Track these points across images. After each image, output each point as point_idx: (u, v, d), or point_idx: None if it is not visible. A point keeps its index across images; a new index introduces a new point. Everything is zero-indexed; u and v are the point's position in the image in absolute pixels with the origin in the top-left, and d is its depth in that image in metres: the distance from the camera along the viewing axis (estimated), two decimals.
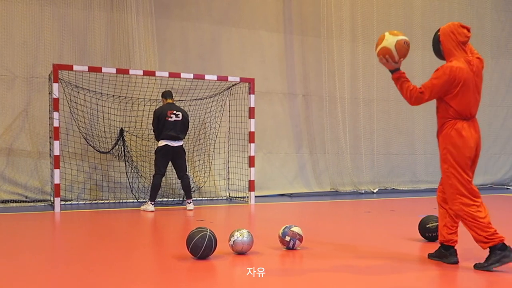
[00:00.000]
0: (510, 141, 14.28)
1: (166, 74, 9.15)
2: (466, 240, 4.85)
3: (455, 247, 4.60)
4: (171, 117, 8.32)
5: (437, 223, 5.39)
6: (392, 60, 4.40)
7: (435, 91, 4.37)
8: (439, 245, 4.68)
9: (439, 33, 4.52)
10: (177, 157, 8.44)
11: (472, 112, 4.43)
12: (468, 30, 4.51)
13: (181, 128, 8.41)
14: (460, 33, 4.45)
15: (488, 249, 4.29)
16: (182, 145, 8.50)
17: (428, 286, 4.05)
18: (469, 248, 4.99)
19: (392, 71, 4.48)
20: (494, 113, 13.96)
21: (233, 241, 4.86)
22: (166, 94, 8.66)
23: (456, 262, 4.54)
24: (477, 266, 4.34)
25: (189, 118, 8.71)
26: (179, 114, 8.39)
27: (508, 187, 13.75)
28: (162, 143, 8.35)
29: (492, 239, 4.22)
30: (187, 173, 8.60)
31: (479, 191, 4.43)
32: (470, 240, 4.49)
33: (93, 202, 9.48)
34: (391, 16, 12.63)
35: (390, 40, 4.39)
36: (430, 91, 4.37)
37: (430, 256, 4.77)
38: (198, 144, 10.41)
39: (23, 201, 9.11)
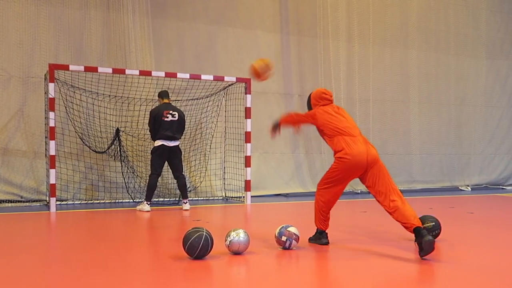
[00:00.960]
0: (505, 141, 14.34)
1: (162, 74, 9.15)
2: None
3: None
4: (168, 117, 8.32)
5: (433, 223, 5.46)
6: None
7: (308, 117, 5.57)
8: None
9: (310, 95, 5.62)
10: (173, 157, 8.44)
11: (348, 131, 5.24)
12: (330, 95, 5.55)
13: (177, 128, 8.42)
14: (322, 97, 5.49)
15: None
16: (178, 145, 8.51)
17: (425, 285, 4.07)
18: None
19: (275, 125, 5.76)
20: (489, 114, 14.02)
21: (230, 241, 4.87)
22: (163, 94, 8.66)
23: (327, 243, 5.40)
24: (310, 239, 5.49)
25: (185, 118, 8.71)
26: (175, 114, 8.39)
27: (503, 187, 13.80)
28: (158, 143, 8.35)
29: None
30: (183, 173, 8.60)
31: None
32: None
33: (89, 202, 9.47)
34: (387, 16, 12.66)
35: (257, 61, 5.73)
36: (305, 116, 5.58)
37: (310, 240, 5.56)
38: (194, 144, 10.41)
39: (19, 201, 9.09)
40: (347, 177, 5.25)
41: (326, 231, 5.48)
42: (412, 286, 4.02)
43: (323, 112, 5.37)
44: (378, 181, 5.05)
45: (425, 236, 4.57)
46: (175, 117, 8.37)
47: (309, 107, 5.64)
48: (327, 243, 5.39)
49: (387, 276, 4.23)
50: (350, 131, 5.21)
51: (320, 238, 5.45)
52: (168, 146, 8.34)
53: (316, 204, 5.46)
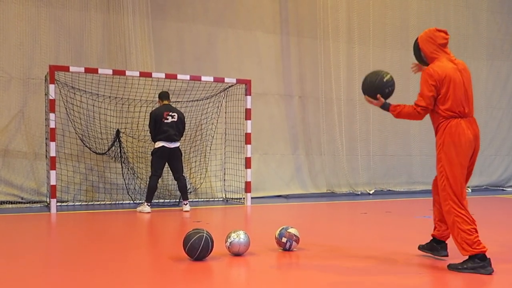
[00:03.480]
0: (505, 142, 14.33)
1: (162, 75, 9.15)
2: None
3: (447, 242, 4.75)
4: (167, 119, 8.33)
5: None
6: (374, 98, 4.62)
7: (428, 96, 4.42)
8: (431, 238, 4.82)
9: (417, 41, 4.63)
10: (173, 158, 8.45)
11: (465, 109, 4.45)
12: (445, 33, 4.59)
13: (177, 129, 8.43)
14: (437, 36, 4.53)
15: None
16: (178, 146, 8.51)
17: (424, 287, 4.07)
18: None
19: (383, 108, 4.65)
20: (489, 115, 14.00)
21: (230, 243, 4.87)
22: (163, 96, 8.67)
23: (446, 256, 4.71)
24: (451, 267, 4.38)
25: (185, 119, 8.71)
26: (175, 116, 8.40)
27: (504, 189, 13.79)
28: (158, 144, 8.36)
29: (474, 248, 4.23)
30: (183, 174, 8.60)
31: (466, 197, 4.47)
32: None
33: (89, 203, 9.46)
34: (387, 17, 12.67)
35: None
36: (423, 98, 4.45)
37: (421, 248, 4.90)
38: (195, 146, 10.41)
39: (19, 202, 9.09)
40: None
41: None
42: (410, 286, 4.02)
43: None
44: None
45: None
46: (174, 118, 8.38)
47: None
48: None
49: (388, 278, 4.23)
50: None
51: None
52: (169, 148, 8.34)
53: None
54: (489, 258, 4.28)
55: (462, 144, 4.36)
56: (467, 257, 4.31)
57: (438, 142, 4.46)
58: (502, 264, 4.61)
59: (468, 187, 13.41)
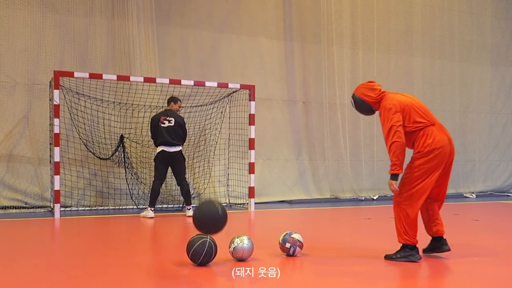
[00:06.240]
0: (510, 148, 14.28)
1: (166, 80, 9.18)
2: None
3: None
4: (164, 123, 8.40)
5: None
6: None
7: (396, 117, 4.78)
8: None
9: (356, 95, 5.09)
10: (175, 163, 8.46)
11: (432, 119, 4.92)
12: (374, 82, 5.12)
13: (175, 134, 8.43)
14: (373, 85, 5.07)
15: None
16: (179, 150, 8.49)
17: None
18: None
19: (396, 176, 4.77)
20: (494, 120, 13.97)
21: (233, 248, 4.86)
22: (167, 101, 8.77)
23: (449, 249, 5.05)
24: (387, 257, 4.93)
25: (184, 123, 8.65)
26: (171, 120, 8.44)
27: (508, 194, 13.72)
28: (159, 149, 8.44)
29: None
30: (186, 179, 8.59)
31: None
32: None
33: (93, 208, 9.47)
34: (391, 23, 12.67)
35: None
36: (392, 120, 4.78)
37: (425, 251, 5.09)
38: (198, 151, 10.41)
39: (23, 207, 9.10)
40: None
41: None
42: None
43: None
44: None
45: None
46: (171, 122, 8.42)
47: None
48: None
49: (389, 282, 4.21)
50: None
51: None
52: (168, 152, 8.37)
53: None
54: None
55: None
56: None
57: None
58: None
59: (473, 192, 13.36)
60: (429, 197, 4.92)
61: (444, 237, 5.05)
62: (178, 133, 8.46)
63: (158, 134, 8.39)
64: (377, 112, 5.12)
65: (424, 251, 5.07)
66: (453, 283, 4.33)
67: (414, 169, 4.75)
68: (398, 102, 4.84)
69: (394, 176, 4.71)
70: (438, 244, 5.05)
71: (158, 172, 8.43)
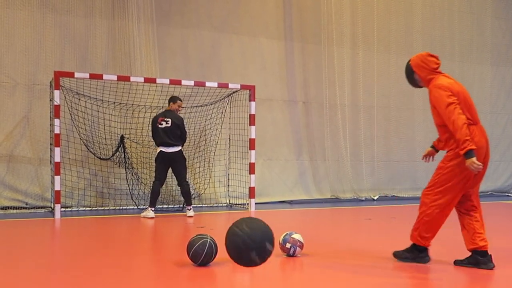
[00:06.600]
0: (510, 148, 14.28)
1: (167, 81, 9.18)
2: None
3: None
4: (161, 124, 8.42)
5: None
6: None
7: (458, 103, 4.47)
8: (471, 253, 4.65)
9: (410, 64, 4.73)
10: (175, 163, 8.47)
11: (476, 118, 4.61)
12: (437, 58, 4.73)
13: (173, 134, 8.42)
14: (430, 61, 4.68)
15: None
16: (178, 150, 8.48)
17: None
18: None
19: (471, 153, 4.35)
20: (494, 120, 13.96)
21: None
22: (168, 100, 8.77)
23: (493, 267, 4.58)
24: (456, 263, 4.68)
25: (182, 123, 8.60)
26: (168, 121, 8.45)
27: (509, 194, 13.72)
28: (158, 149, 8.48)
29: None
30: (186, 180, 8.60)
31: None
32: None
33: (94, 208, 9.48)
34: (392, 23, 12.67)
35: None
36: (448, 99, 4.47)
37: (461, 263, 4.70)
38: (199, 151, 10.42)
39: (24, 208, 9.11)
40: None
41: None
42: None
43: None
44: None
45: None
46: (168, 123, 8.43)
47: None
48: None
49: (390, 283, 4.21)
50: None
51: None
52: (167, 152, 8.38)
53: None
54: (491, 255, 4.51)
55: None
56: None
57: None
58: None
59: None
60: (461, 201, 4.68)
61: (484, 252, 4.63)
62: (176, 134, 8.44)
63: (156, 135, 8.45)
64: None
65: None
66: (453, 283, 4.33)
67: (446, 169, 4.54)
68: (453, 86, 4.53)
69: (470, 153, 4.29)
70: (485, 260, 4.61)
71: (158, 172, 8.46)
